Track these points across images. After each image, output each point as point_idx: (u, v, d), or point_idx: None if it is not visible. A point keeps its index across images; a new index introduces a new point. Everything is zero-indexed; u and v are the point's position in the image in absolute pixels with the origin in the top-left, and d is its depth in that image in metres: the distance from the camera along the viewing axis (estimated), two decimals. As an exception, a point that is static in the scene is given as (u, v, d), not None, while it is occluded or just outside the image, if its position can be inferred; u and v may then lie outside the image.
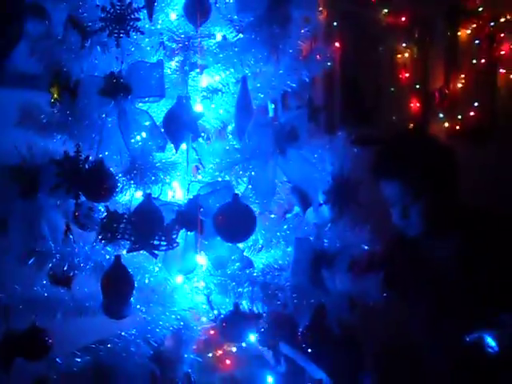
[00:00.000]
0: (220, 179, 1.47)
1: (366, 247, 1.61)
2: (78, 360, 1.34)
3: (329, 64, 1.61)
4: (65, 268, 1.52)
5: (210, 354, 1.91)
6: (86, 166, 1.37)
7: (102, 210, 1.54)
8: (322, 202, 1.60)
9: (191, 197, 1.43)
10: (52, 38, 1.66)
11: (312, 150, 1.61)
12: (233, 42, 1.52)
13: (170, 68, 1.48)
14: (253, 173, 1.41)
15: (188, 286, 1.74)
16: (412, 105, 3.39)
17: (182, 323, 1.67)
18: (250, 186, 1.43)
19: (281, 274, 1.51)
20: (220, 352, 1.95)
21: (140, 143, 1.39)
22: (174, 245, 1.37)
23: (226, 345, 1.95)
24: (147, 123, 1.41)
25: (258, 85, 1.64)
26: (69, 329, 1.61)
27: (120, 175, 1.38)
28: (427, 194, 1.70)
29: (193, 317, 1.76)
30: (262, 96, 1.62)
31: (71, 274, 1.58)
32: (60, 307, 1.57)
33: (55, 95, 1.48)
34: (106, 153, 1.42)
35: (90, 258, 1.44)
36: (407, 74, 3.32)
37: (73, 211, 1.53)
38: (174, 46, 1.50)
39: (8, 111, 1.65)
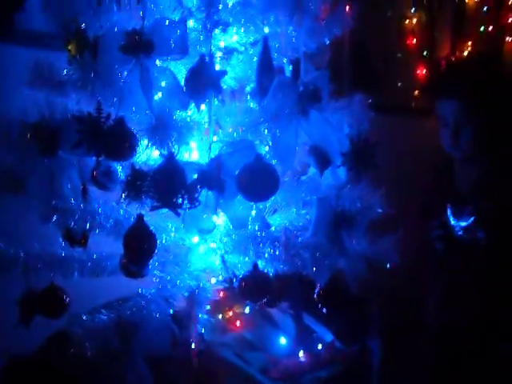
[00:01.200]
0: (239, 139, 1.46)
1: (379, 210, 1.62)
2: (103, 317, 1.35)
3: (350, 27, 1.58)
4: (82, 227, 1.53)
5: (220, 316, 1.93)
6: (107, 124, 1.35)
7: (120, 169, 1.54)
8: (340, 163, 1.61)
9: (213, 156, 1.43)
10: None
11: (332, 112, 1.61)
12: (254, 1, 1.49)
13: (191, 26, 1.45)
14: (277, 133, 1.39)
15: (203, 246, 1.75)
16: (419, 71, 3.37)
17: (196, 284, 1.69)
18: (271, 146, 1.42)
19: (299, 234, 1.51)
20: (230, 313, 1.98)
21: (162, 101, 1.37)
22: (197, 204, 1.37)
23: (236, 306, 1.98)
24: (169, 81, 1.40)
25: (277, 45, 1.62)
26: (86, 287, 1.62)
27: (142, 134, 1.37)
28: (482, 118, 1.71)
29: (207, 277, 1.77)
30: (281, 57, 1.61)
31: (87, 233, 1.58)
32: (77, 266, 1.58)
33: (73, 52, 1.45)
34: (128, 111, 1.40)
35: (110, 217, 1.44)
36: (415, 41, 3.29)
37: (91, 170, 1.52)
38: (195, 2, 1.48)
39: (23, 69, 1.63)
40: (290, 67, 1.70)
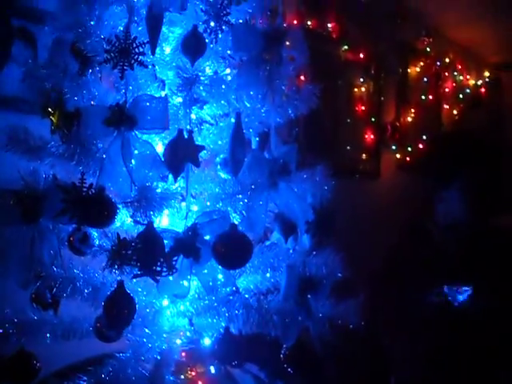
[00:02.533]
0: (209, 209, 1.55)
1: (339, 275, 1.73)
2: (82, 382, 1.37)
3: (315, 105, 1.72)
4: (54, 292, 1.55)
5: (182, 376, 1.96)
6: (89, 193, 1.41)
7: (96, 235, 1.59)
8: (304, 231, 1.71)
9: (189, 225, 1.50)
10: (41, 63, 1.71)
11: (297, 182, 1.72)
12: (229, 79, 1.60)
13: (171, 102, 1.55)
14: (249, 203, 1.49)
15: (170, 309, 1.80)
16: (367, 136, 3.58)
17: (166, 345, 1.72)
18: (244, 216, 1.51)
19: (268, 298, 1.59)
20: (193, 373, 2.01)
21: (142, 173, 1.45)
22: (174, 270, 1.43)
23: (198, 366, 2.01)
24: (149, 153, 1.47)
25: (246, 119, 1.74)
26: (55, 350, 1.63)
27: (122, 204, 1.43)
28: None
29: (173, 339, 1.81)
30: (251, 131, 1.72)
31: (58, 297, 1.60)
32: (48, 330, 1.59)
33: (55, 122, 1.51)
34: (107, 181, 1.46)
35: (89, 283, 1.47)
36: (363, 107, 3.51)
37: (67, 236, 1.56)
38: (178, 81, 1.58)
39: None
40: (257, 139, 1.82)
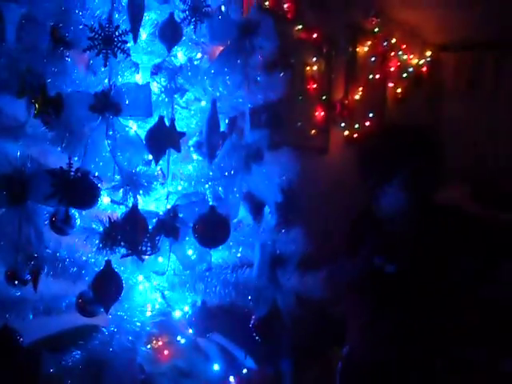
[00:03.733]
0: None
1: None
2: (76, 356, 1.46)
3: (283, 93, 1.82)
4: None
5: (149, 346, 2.07)
6: (75, 177, 1.48)
7: (77, 215, 1.66)
8: (273, 211, 1.84)
9: (169, 206, 1.60)
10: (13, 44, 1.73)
11: (266, 164, 1.84)
12: (206, 67, 1.69)
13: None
14: (220, 188, 1.61)
15: (144, 284, 1.90)
16: (317, 113, 3.72)
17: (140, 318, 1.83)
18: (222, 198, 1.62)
19: (242, 272, 1.72)
20: (160, 343, 2.13)
21: (126, 157, 1.53)
22: (157, 249, 1.53)
23: (164, 336, 2.13)
24: (132, 139, 1.55)
25: (219, 104, 1.83)
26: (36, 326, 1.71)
27: (108, 187, 1.51)
28: None
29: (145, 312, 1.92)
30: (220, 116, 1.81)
31: (37, 274, 1.67)
32: (30, 307, 1.66)
33: (38, 108, 1.56)
34: (91, 164, 1.53)
35: (75, 262, 1.55)
36: (314, 86, 3.64)
37: (50, 216, 1.62)
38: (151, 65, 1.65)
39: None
40: (226, 121, 1.91)
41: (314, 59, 3.60)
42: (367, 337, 2.25)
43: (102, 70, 1.59)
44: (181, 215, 1.59)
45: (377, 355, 2.21)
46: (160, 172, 1.62)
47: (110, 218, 1.45)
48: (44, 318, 1.70)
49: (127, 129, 1.56)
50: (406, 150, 2.16)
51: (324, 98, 3.71)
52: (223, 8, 1.75)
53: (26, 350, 1.57)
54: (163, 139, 1.55)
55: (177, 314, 1.91)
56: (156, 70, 1.75)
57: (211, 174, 1.62)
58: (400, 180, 2.15)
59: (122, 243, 1.42)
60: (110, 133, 1.49)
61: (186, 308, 1.86)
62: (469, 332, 2.73)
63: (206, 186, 1.62)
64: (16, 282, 1.64)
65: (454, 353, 2.42)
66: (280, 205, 1.83)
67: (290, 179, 1.89)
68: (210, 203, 1.60)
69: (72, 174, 1.46)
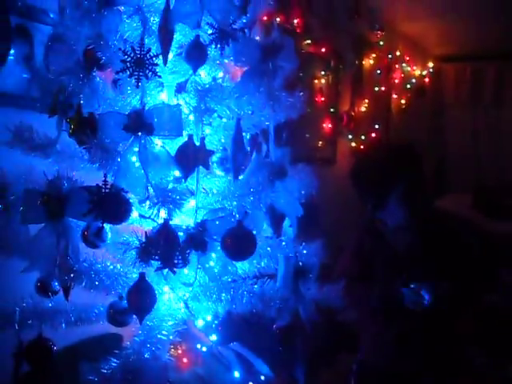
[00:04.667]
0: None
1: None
2: (113, 364, 1.52)
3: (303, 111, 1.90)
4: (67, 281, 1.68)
5: (171, 354, 2.14)
6: (109, 193, 1.55)
7: (108, 229, 1.73)
8: (293, 224, 1.92)
9: (198, 221, 1.67)
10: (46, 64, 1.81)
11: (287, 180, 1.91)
12: (232, 88, 1.76)
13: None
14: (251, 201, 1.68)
15: (168, 295, 1.97)
16: (325, 125, 3.80)
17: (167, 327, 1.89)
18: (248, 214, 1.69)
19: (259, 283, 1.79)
20: (181, 351, 2.19)
21: (158, 174, 1.60)
22: (187, 262, 1.60)
23: (184, 344, 2.19)
24: (164, 157, 1.62)
25: (242, 122, 1.90)
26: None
27: (141, 203, 1.58)
28: None
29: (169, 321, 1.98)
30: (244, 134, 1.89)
31: (69, 286, 1.74)
32: (63, 318, 1.73)
33: (74, 127, 1.63)
34: (124, 181, 1.60)
35: (110, 274, 1.62)
36: (323, 98, 3.72)
37: (82, 231, 1.69)
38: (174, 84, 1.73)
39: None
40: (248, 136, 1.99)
41: (323, 73, 3.68)
42: (379, 345, 2.32)
43: (129, 90, 1.66)
44: (209, 230, 1.66)
45: (388, 363, 2.29)
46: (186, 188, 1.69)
47: (146, 234, 1.52)
48: (74, 327, 1.77)
49: (158, 147, 1.62)
50: (397, 166, 2.26)
51: (332, 110, 3.79)
52: (246, 30, 1.83)
53: (61, 358, 1.63)
54: (193, 157, 1.62)
55: (199, 323, 1.98)
56: (179, 89, 1.82)
57: (238, 190, 1.69)
58: (398, 195, 2.25)
59: (156, 257, 1.49)
60: (140, 150, 1.55)
61: (209, 317, 1.93)
62: (476, 339, 2.81)
63: (234, 202, 1.68)
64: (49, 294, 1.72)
65: (466, 360, 2.49)
66: (302, 219, 1.91)
67: (309, 193, 1.97)
68: (237, 218, 1.67)
69: (107, 190, 1.53)
